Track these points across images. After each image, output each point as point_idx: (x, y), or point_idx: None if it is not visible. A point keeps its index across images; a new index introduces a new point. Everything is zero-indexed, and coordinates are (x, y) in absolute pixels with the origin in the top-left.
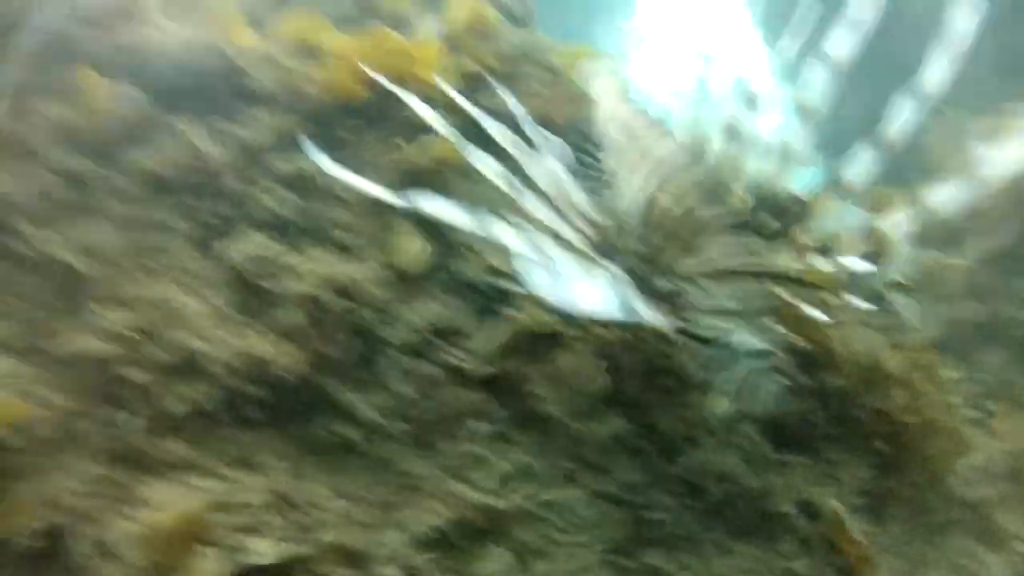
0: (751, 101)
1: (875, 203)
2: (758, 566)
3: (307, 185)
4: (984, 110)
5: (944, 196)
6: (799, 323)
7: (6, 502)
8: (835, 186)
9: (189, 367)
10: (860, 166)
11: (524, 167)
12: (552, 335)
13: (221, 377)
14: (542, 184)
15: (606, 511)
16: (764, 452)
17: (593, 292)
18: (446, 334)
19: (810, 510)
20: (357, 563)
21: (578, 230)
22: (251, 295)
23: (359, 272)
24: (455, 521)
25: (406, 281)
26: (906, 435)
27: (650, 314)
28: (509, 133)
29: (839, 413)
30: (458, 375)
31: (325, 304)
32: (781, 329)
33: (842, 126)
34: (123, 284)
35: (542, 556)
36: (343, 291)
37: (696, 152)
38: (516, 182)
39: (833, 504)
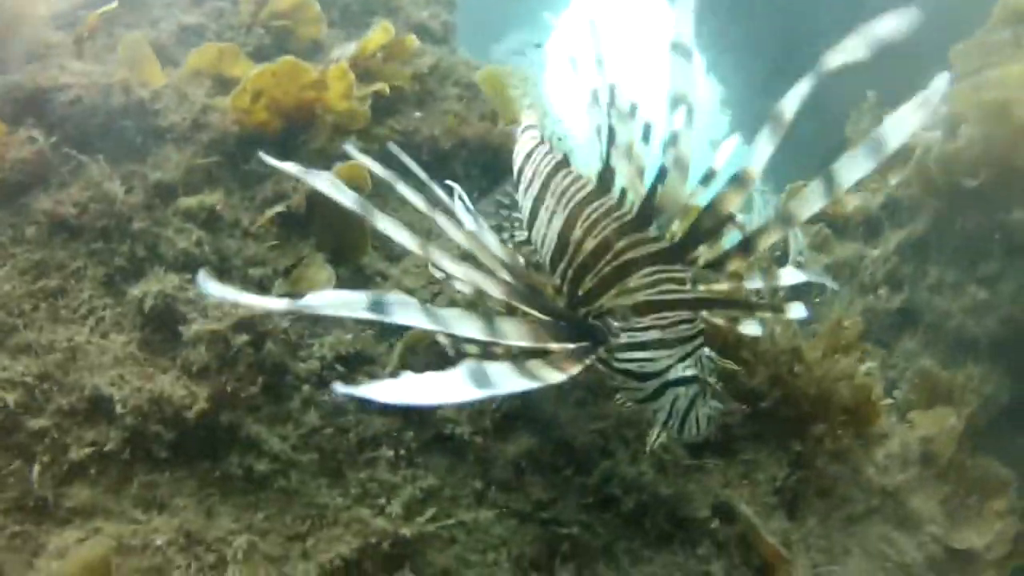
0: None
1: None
2: (674, 572)
3: (217, 222)
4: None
5: (848, 166)
6: (728, 342)
7: None
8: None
9: (94, 411)
10: (761, 150)
11: (436, 225)
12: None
13: (127, 420)
14: (456, 238)
15: (518, 528)
16: (679, 459)
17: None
18: (352, 361)
19: (725, 513)
20: None
21: (497, 280)
22: (160, 335)
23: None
24: (364, 549)
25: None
26: (821, 425)
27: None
28: (418, 197)
29: (756, 412)
30: (364, 401)
31: (233, 341)
32: (708, 352)
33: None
34: (27, 331)
35: None
36: (251, 327)
37: (611, 183)
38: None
39: (743, 508)
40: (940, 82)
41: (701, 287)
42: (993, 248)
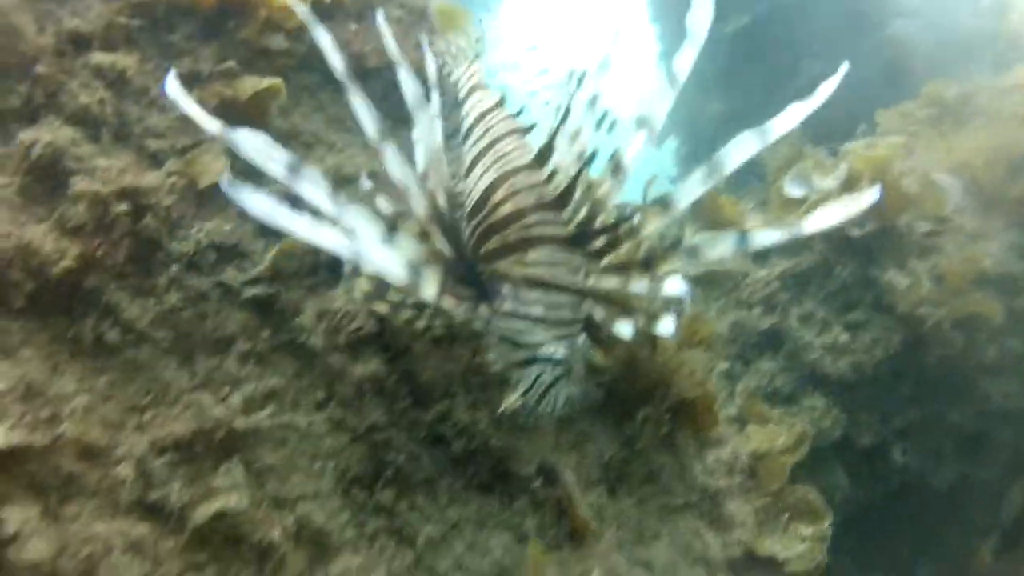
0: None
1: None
2: (489, 519)
3: (126, 85)
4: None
5: (764, 235)
6: (602, 337)
7: None
8: (664, 202)
9: None
10: (692, 186)
11: (414, 122)
12: (334, 266)
13: None
14: (419, 145)
15: (348, 445)
16: (515, 415)
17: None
18: (227, 252)
19: (550, 475)
20: (92, 458)
21: (430, 199)
22: (42, 186)
23: (157, 179)
24: (198, 432)
25: (201, 195)
26: (664, 422)
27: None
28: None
29: (600, 386)
30: (229, 293)
31: (112, 207)
32: (583, 340)
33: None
34: None
35: (278, 477)
36: (135, 196)
37: (547, 160)
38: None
39: (567, 475)
40: (871, 194)
41: (591, 279)
42: (864, 298)
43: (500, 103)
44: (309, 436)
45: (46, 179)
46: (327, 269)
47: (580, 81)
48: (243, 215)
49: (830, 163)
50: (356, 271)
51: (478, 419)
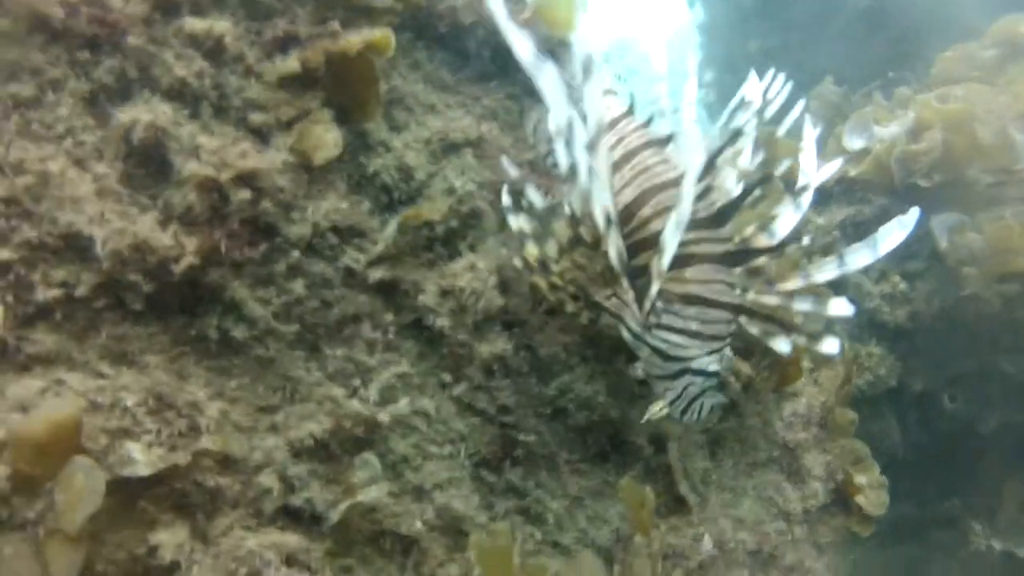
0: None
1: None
2: (607, 489)
3: (224, 55)
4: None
5: (857, 254)
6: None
7: None
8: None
9: (66, 248)
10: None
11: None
12: (448, 240)
13: (105, 263)
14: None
15: (478, 427)
16: (629, 384)
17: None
18: (345, 233)
19: (660, 442)
20: (234, 470)
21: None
22: (147, 173)
23: (266, 158)
24: (334, 429)
25: (312, 172)
26: (767, 378)
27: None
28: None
29: None
30: (351, 276)
31: (226, 191)
32: (730, 353)
33: None
34: None
35: (413, 467)
36: (247, 178)
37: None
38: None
39: (671, 447)
40: (912, 215)
41: (750, 294)
42: (924, 249)
43: (630, 111)
44: (438, 421)
45: (149, 163)
46: (442, 243)
47: (760, 110)
48: (358, 190)
49: (887, 107)
50: (524, 240)
51: (597, 390)
